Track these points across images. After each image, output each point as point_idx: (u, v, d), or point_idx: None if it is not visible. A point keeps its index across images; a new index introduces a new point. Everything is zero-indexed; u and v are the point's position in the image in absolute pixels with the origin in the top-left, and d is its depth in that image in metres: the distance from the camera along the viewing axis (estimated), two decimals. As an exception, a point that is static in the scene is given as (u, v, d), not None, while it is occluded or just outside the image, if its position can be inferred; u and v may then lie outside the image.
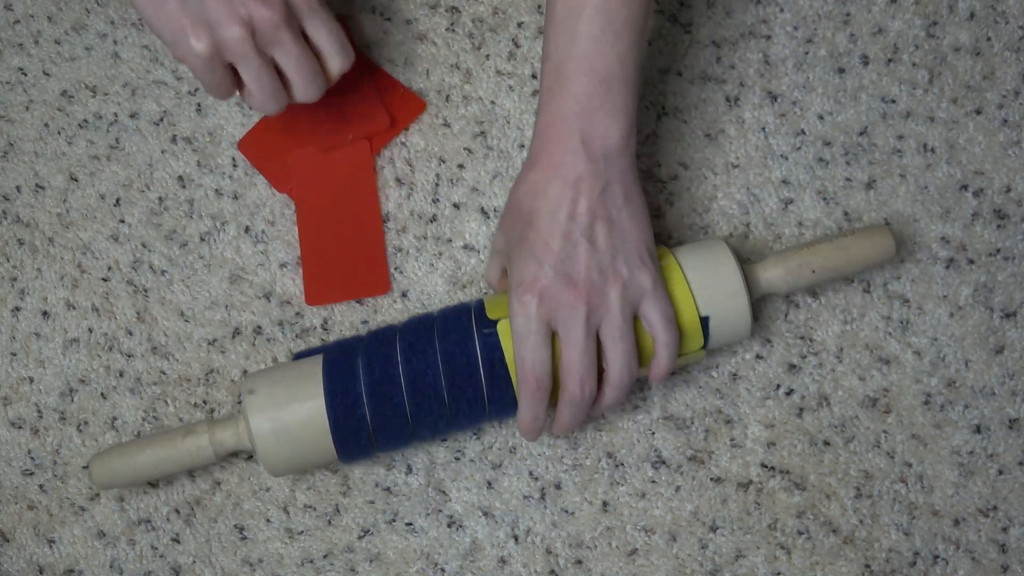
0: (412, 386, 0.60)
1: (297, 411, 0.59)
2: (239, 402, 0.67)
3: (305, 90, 0.62)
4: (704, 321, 0.61)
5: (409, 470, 0.67)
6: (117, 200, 0.71)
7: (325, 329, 0.68)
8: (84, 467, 0.67)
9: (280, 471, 0.61)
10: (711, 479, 0.67)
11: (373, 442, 0.61)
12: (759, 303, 0.68)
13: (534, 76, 0.71)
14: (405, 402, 0.60)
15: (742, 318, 0.62)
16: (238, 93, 0.61)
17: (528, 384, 0.59)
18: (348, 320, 0.68)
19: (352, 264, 0.69)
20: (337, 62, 0.62)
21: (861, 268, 0.65)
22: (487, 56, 0.72)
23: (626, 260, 0.59)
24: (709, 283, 0.61)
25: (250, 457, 0.67)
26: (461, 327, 0.61)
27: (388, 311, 0.69)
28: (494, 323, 0.61)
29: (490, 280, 0.66)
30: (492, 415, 0.62)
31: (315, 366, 0.61)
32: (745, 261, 0.68)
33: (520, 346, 0.58)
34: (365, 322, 0.68)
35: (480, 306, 0.62)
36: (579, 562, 0.66)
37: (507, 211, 0.62)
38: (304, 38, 0.60)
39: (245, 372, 0.68)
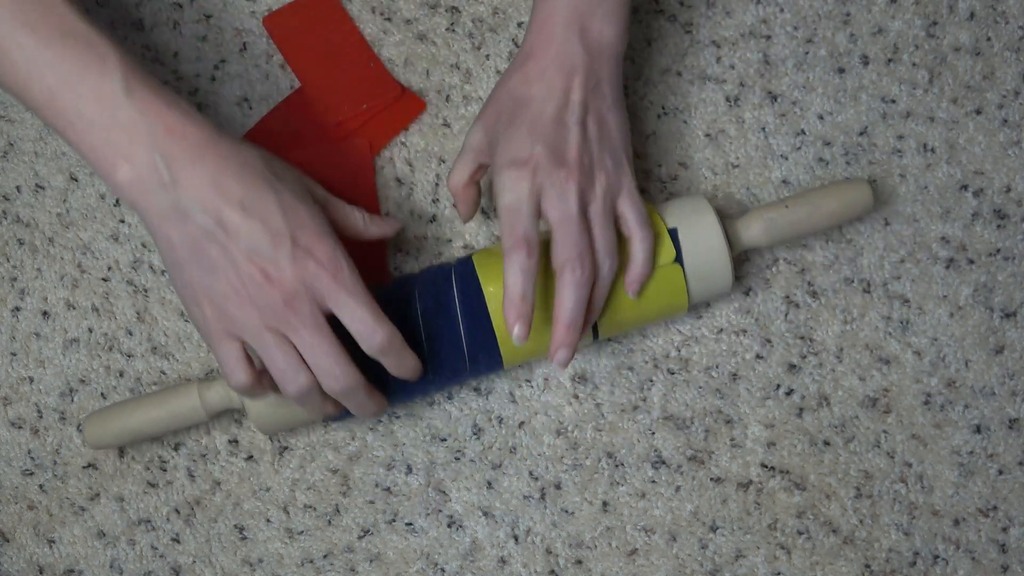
0: None
1: None
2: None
3: (328, 380, 0.56)
4: (673, 233, 0.62)
5: (409, 470, 0.67)
6: (117, 200, 0.70)
7: (325, 329, 0.68)
8: (84, 466, 0.67)
9: (269, 428, 0.62)
10: (711, 479, 0.67)
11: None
12: (755, 286, 0.68)
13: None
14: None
15: (714, 237, 0.62)
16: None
17: (519, 250, 0.57)
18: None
19: (353, 257, 0.69)
20: (377, 340, 0.57)
21: (838, 219, 0.65)
22: (487, 56, 0.72)
23: (612, 156, 0.60)
24: (676, 203, 0.63)
25: (250, 457, 0.67)
26: (440, 277, 0.62)
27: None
28: (469, 260, 0.62)
29: (454, 184, 0.64)
30: (471, 360, 0.62)
31: None
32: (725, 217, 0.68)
33: (511, 219, 0.57)
34: (365, 322, 0.68)
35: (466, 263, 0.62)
36: (579, 562, 0.66)
37: (491, 103, 0.61)
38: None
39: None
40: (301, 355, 0.55)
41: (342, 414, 0.61)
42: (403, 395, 0.63)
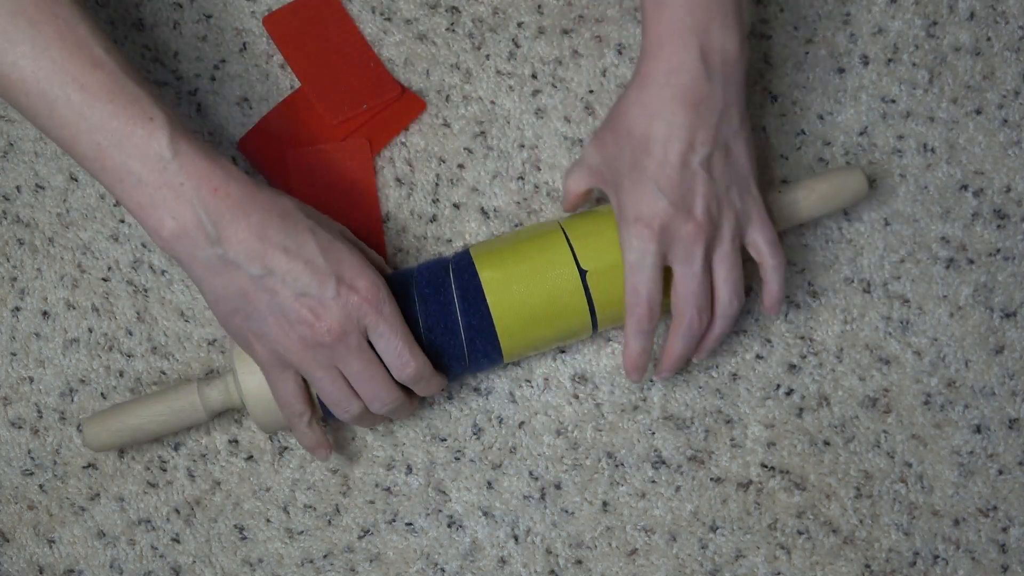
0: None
1: None
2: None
3: (374, 403, 0.60)
4: None
5: (409, 470, 0.67)
6: (117, 200, 0.70)
7: (325, 329, 0.68)
8: (84, 466, 0.67)
9: (270, 427, 0.62)
10: (711, 479, 0.67)
11: None
12: (755, 286, 0.68)
13: (534, 76, 0.71)
14: None
15: None
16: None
17: (640, 313, 0.59)
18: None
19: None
20: (410, 370, 0.60)
21: (832, 204, 0.65)
22: (487, 56, 0.72)
23: (739, 190, 0.59)
24: None
25: (250, 457, 0.67)
26: (439, 269, 0.62)
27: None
28: (466, 253, 0.62)
29: (571, 188, 0.64)
30: (471, 353, 0.62)
31: None
32: None
33: (635, 277, 0.59)
34: (365, 322, 0.68)
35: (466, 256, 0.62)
36: (579, 562, 0.66)
37: (611, 129, 0.60)
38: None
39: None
40: (349, 382, 0.59)
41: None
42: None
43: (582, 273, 0.61)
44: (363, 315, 0.57)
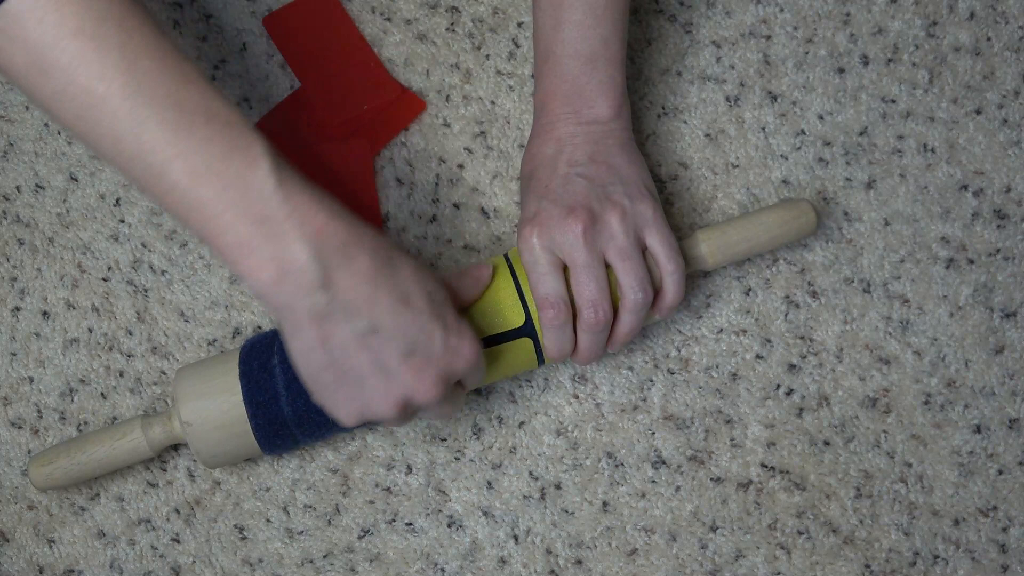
0: None
1: (222, 407, 0.60)
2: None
3: (445, 420, 0.62)
4: None
5: (409, 470, 0.67)
6: (117, 200, 0.71)
7: (325, 329, 0.68)
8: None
9: (214, 464, 0.62)
10: (711, 479, 0.67)
11: (294, 434, 0.61)
12: (755, 286, 0.68)
13: (534, 76, 0.71)
14: None
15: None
16: None
17: (545, 313, 0.59)
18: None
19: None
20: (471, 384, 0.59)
21: (780, 241, 0.64)
22: (487, 56, 0.72)
23: (625, 191, 0.61)
24: None
25: (249, 457, 0.67)
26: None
27: (388, 311, 0.69)
28: None
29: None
30: None
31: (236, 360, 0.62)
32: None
33: (530, 278, 0.60)
34: (365, 322, 0.69)
35: None
36: (579, 562, 0.66)
37: (520, 183, 0.66)
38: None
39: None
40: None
41: (280, 448, 0.62)
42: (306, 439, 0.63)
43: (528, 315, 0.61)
44: (459, 367, 0.55)
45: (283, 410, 0.60)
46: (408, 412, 0.55)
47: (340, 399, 0.54)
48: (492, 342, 0.60)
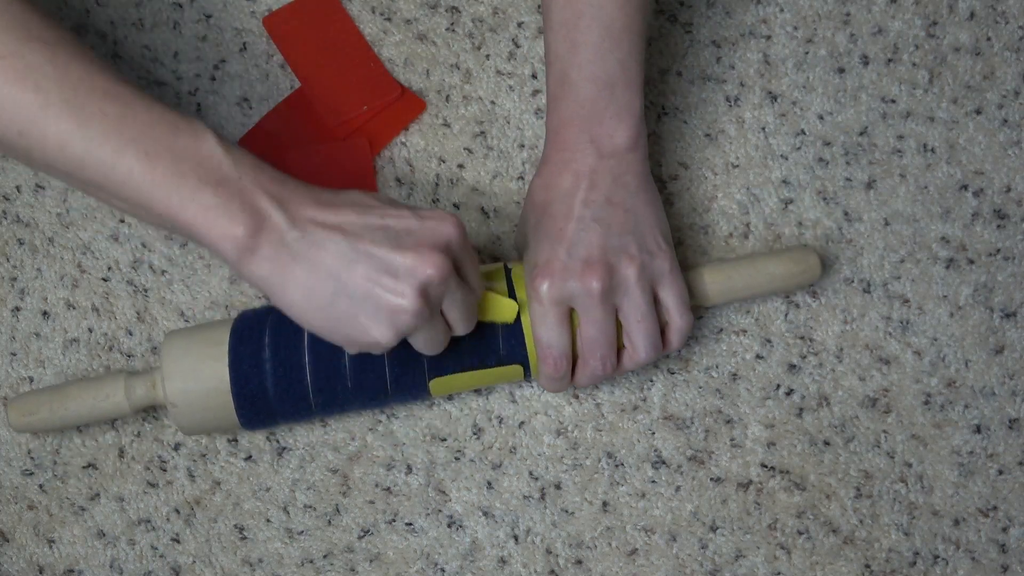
0: (316, 361, 0.60)
1: (207, 374, 0.60)
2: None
3: (467, 327, 0.58)
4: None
5: (409, 470, 0.67)
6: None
7: (325, 329, 0.68)
8: (84, 466, 0.67)
9: (189, 428, 0.61)
10: (711, 479, 0.67)
11: (274, 411, 0.61)
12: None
13: (534, 76, 0.71)
14: (307, 377, 0.60)
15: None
16: None
17: (547, 365, 0.60)
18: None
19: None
20: (479, 293, 0.59)
21: (782, 290, 0.65)
22: (487, 56, 0.72)
23: (641, 243, 0.60)
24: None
25: (249, 457, 0.67)
26: None
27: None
28: None
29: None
30: (394, 397, 0.62)
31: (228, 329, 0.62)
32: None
33: (537, 328, 0.60)
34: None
35: None
36: (579, 562, 0.66)
37: (523, 208, 0.64)
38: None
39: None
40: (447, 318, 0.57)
41: (258, 424, 0.62)
42: (332, 409, 0.62)
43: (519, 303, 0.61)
44: (451, 237, 0.55)
45: (267, 387, 0.60)
46: (430, 300, 0.54)
47: (363, 319, 0.53)
48: (484, 365, 0.61)
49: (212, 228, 0.51)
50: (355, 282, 0.52)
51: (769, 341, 0.68)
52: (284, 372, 0.60)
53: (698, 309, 0.68)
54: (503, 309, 0.60)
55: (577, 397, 0.68)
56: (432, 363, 0.61)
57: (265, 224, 0.51)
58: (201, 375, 0.60)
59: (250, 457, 0.67)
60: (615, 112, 0.60)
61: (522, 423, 0.67)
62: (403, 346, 0.59)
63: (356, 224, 0.53)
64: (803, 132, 0.71)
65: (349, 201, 0.54)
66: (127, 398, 0.62)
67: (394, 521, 0.66)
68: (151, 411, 0.68)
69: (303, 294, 0.52)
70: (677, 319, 0.61)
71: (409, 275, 0.53)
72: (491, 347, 0.61)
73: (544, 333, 0.60)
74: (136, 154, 0.50)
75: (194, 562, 0.66)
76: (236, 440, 0.67)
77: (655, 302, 0.61)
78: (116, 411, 0.62)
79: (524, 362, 0.62)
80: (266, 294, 0.53)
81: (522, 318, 0.61)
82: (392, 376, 0.61)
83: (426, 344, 0.57)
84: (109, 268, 0.70)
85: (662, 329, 0.62)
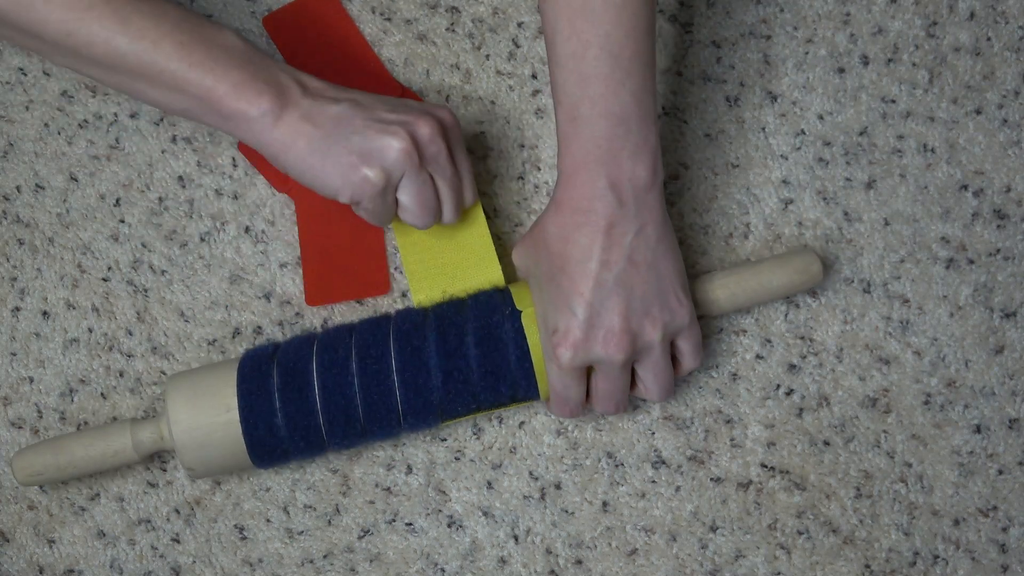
0: (324, 387, 0.60)
1: (216, 418, 0.60)
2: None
3: (454, 209, 0.62)
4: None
5: (409, 470, 0.67)
6: (117, 200, 0.71)
7: (324, 328, 0.68)
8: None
9: (201, 471, 0.61)
10: (711, 479, 0.67)
11: (287, 450, 0.61)
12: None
13: (534, 76, 0.71)
14: (319, 414, 0.60)
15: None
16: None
17: (562, 413, 0.63)
18: (348, 320, 0.68)
19: (352, 264, 0.69)
20: (470, 193, 0.63)
21: (784, 295, 0.66)
22: (487, 56, 0.72)
23: (663, 302, 0.59)
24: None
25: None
26: (379, 331, 0.62)
27: (388, 310, 0.69)
28: (420, 331, 0.62)
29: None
30: (405, 431, 0.63)
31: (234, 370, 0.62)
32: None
33: (555, 384, 0.61)
34: (365, 322, 0.69)
35: (405, 315, 0.63)
36: (579, 562, 0.66)
37: (532, 242, 0.63)
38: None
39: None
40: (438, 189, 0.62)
41: (271, 463, 0.62)
42: (342, 443, 0.63)
43: (516, 313, 0.62)
44: (445, 118, 0.61)
45: (279, 429, 0.60)
46: (420, 150, 0.59)
47: (359, 165, 0.58)
48: (496, 404, 0.63)
49: (241, 99, 0.57)
50: (354, 126, 0.58)
51: (769, 341, 0.68)
52: (295, 411, 0.60)
53: (702, 317, 0.68)
54: (484, 255, 0.63)
55: (577, 397, 0.68)
56: (445, 405, 0.61)
57: (286, 94, 0.58)
58: (209, 419, 0.60)
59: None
60: (632, 150, 0.58)
61: (522, 423, 0.67)
62: (414, 383, 0.60)
63: (361, 97, 0.60)
64: (803, 132, 0.71)
65: (355, 90, 0.61)
66: (133, 447, 0.62)
67: (394, 521, 0.66)
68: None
69: (306, 143, 0.58)
70: (689, 362, 0.62)
71: (402, 125, 0.58)
72: (504, 389, 0.62)
73: (562, 390, 0.61)
74: (172, 44, 0.57)
75: (194, 562, 0.66)
76: (236, 440, 0.67)
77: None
78: (123, 460, 0.62)
79: (536, 397, 0.63)
80: (275, 155, 0.59)
81: (532, 356, 0.61)
82: (404, 410, 0.61)
83: (412, 200, 0.60)
84: (109, 268, 0.70)
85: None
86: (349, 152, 0.58)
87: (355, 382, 0.60)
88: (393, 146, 0.58)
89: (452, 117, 0.61)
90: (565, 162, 0.59)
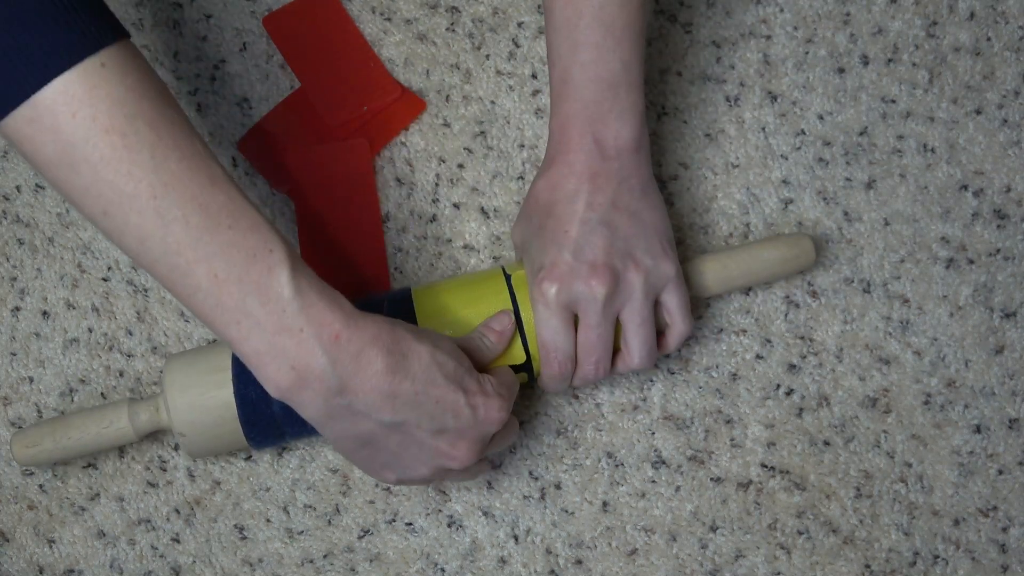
0: None
1: (212, 396, 0.60)
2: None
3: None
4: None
5: (409, 470, 0.67)
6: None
7: (325, 329, 0.68)
8: (84, 466, 0.67)
9: (198, 452, 0.61)
10: (711, 479, 0.67)
11: (283, 431, 0.61)
12: (755, 286, 0.68)
13: (534, 76, 0.71)
14: None
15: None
16: None
17: (551, 368, 0.61)
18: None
19: (352, 265, 0.69)
20: (506, 442, 0.62)
21: (779, 276, 0.65)
22: (487, 56, 0.72)
23: (648, 248, 0.60)
24: None
25: (249, 457, 0.67)
26: (372, 308, 0.61)
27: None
28: (406, 301, 0.61)
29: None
30: None
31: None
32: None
33: (542, 330, 0.60)
34: (365, 322, 0.68)
35: (403, 294, 0.62)
36: (579, 562, 0.66)
37: (524, 206, 0.63)
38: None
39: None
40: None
41: (266, 442, 0.62)
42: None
43: (507, 276, 0.61)
44: (492, 431, 0.57)
45: (274, 409, 0.60)
46: (445, 475, 0.58)
47: (377, 468, 0.57)
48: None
49: (260, 369, 0.51)
50: (383, 446, 0.55)
51: (769, 341, 0.68)
52: None
53: (697, 303, 0.68)
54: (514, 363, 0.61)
55: (577, 397, 0.68)
56: None
57: (311, 379, 0.51)
58: (206, 400, 0.60)
59: (250, 457, 0.67)
60: (619, 113, 0.60)
61: (522, 423, 0.67)
62: None
63: (407, 413, 0.53)
64: (803, 132, 0.71)
65: (411, 378, 0.53)
66: (131, 425, 0.62)
67: (394, 521, 0.66)
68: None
69: (333, 436, 0.55)
70: (679, 323, 0.61)
71: (434, 457, 0.56)
72: None
73: (550, 336, 0.60)
74: (207, 274, 0.50)
75: (194, 562, 0.66)
76: (236, 440, 0.67)
77: (656, 304, 0.61)
78: (121, 438, 0.62)
79: (529, 367, 0.62)
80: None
81: (522, 319, 0.61)
82: None
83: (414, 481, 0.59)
84: (109, 268, 0.70)
85: (661, 331, 0.62)
86: (388, 467, 0.57)
87: None
88: (417, 472, 0.57)
89: (502, 417, 0.57)
90: (554, 122, 0.61)
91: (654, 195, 0.62)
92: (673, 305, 0.61)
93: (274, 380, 0.51)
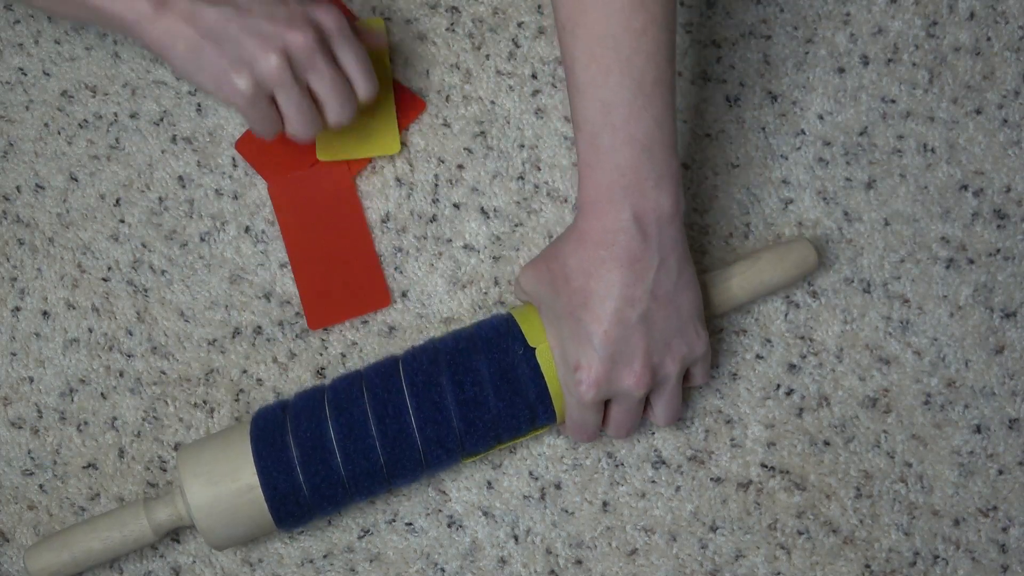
0: (344, 450, 0.59)
1: (233, 487, 0.59)
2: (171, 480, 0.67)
3: (339, 112, 0.62)
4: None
5: (409, 470, 0.67)
6: (117, 200, 0.71)
7: (325, 329, 0.68)
8: (84, 466, 0.67)
9: (221, 543, 0.60)
10: (711, 479, 0.67)
11: (311, 510, 0.60)
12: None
13: (534, 76, 0.71)
14: (344, 480, 0.60)
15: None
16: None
17: (580, 439, 0.64)
18: (348, 322, 0.68)
19: (349, 283, 0.68)
20: (364, 87, 0.63)
21: (784, 282, 0.65)
22: (487, 56, 0.72)
23: (683, 335, 0.60)
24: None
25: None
26: (392, 384, 0.61)
27: (388, 312, 0.69)
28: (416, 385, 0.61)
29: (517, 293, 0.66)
30: (428, 473, 0.62)
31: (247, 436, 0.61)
32: None
33: (574, 415, 0.61)
34: (365, 322, 0.68)
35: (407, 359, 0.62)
36: (579, 562, 0.66)
37: (549, 270, 0.60)
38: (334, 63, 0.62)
39: (239, 391, 0.68)
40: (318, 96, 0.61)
41: (296, 524, 0.61)
42: (363, 495, 0.62)
43: (531, 351, 0.61)
44: (323, 21, 0.61)
45: (303, 497, 0.59)
46: (292, 63, 0.59)
47: (231, 75, 0.59)
48: (516, 435, 0.63)
49: (118, 1, 0.59)
50: (228, 33, 0.58)
51: (769, 341, 0.68)
52: (320, 481, 0.59)
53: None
54: (385, 139, 0.64)
55: (577, 397, 0.68)
56: (466, 448, 0.61)
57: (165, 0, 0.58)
58: (229, 495, 0.59)
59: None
60: (656, 179, 0.56)
61: (522, 423, 0.67)
62: (436, 437, 0.60)
63: (243, 0, 0.59)
64: (803, 132, 0.71)
65: None
66: (151, 528, 0.60)
67: (394, 521, 0.66)
68: (155, 417, 0.68)
69: (184, 45, 0.59)
70: (698, 381, 0.63)
71: (273, 37, 0.59)
72: (524, 426, 0.61)
73: (580, 421, 0.61)
74: None
75: (194, 562, 0.66)
76: (236, 440, 0.67)
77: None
78: (140, 544, 0.61)
79: (553, 421, 0.62)
80: (158, 56, 0.60)
81: (550, 390, 0.60)
82: (427, 460, 0.61)
83: (292, 113, 0.60)
84: (109, 268, 0.70)
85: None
86: (221, 57, 0.59)
87: (376, 445, 0.59)
88: (263, 58, 0.59)
89: (335, 16, 0.61)
90: (587, 191, 0.57)
91: (688, 271, 0.59)
92: (698, 372, 0.62)
93: (133, 5, 0.58)
